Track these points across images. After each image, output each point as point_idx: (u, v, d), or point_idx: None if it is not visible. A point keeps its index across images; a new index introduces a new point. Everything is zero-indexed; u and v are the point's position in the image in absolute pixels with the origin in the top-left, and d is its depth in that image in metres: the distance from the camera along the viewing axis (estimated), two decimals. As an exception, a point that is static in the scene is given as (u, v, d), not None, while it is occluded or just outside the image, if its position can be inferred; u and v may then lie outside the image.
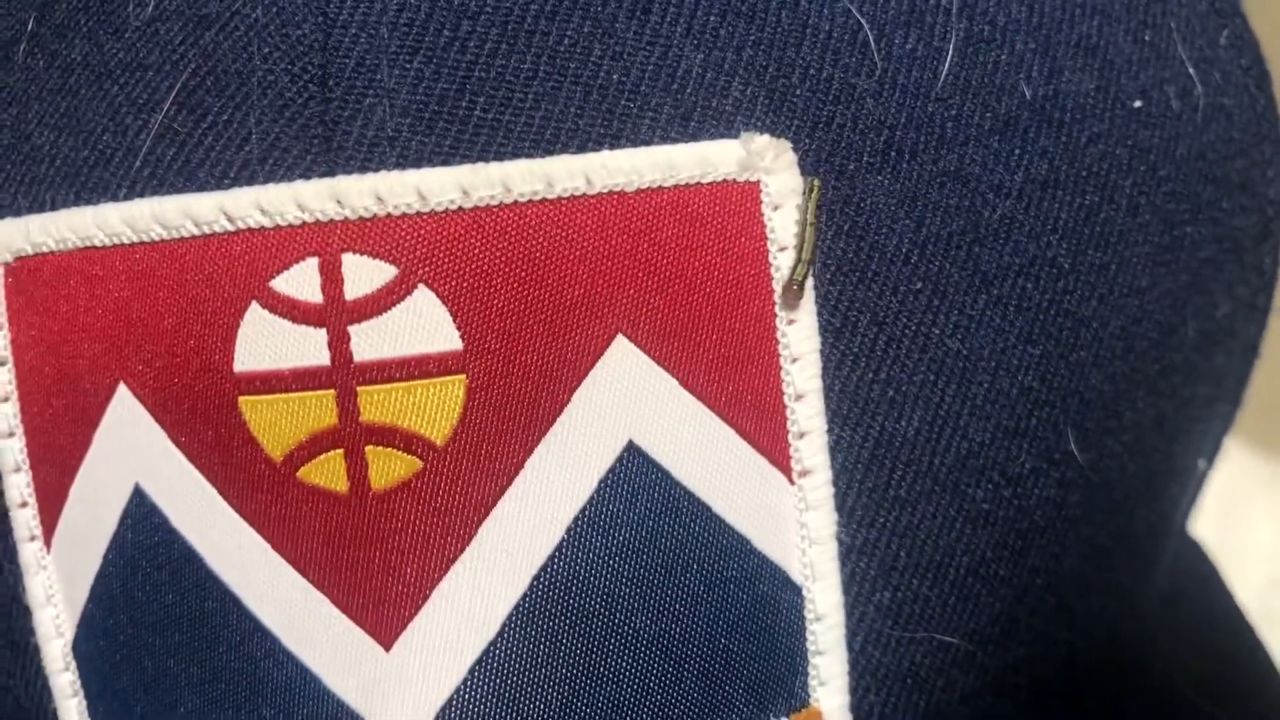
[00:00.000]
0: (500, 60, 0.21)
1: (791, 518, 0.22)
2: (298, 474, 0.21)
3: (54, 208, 0.22)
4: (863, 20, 0.22)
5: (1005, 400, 0.23)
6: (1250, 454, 0.47)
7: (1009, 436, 0.23)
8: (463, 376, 0.21)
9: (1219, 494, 0.43)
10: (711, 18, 0.22)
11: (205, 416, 0.22)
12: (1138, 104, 0.23)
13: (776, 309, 0.22)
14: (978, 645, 0.23)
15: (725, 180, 0.21)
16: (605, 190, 0.21)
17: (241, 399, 0.21)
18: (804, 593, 0.22)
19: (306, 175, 0.21)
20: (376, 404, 0.21)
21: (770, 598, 0.22)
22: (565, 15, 0.21)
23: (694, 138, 0.21)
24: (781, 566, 0.22)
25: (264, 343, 0.21)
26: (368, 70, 0.21)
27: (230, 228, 0.21)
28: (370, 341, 0.21)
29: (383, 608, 0.21)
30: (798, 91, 0.22)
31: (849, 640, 0.22)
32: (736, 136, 0.21)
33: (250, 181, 0.21)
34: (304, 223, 0.21)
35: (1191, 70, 0.24)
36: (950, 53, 0.22)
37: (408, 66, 0.21)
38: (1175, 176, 0.24)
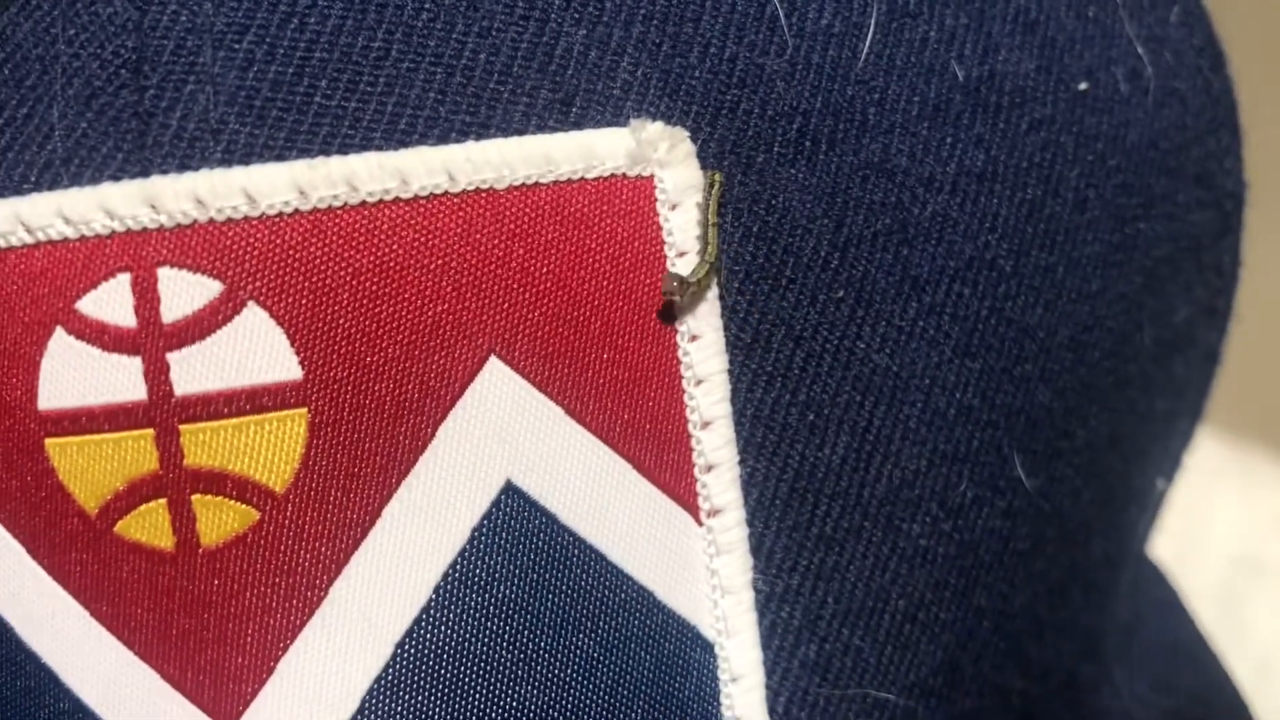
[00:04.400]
0: (346, 37, 0.20)
1: (700, 564, 0.21)
2: (115, 528, 0.20)
3: None
4: None
5: (942, 422, 0.22)
6: (1214, 437, 0.49)
7: (947, 462, 0.22)
8: (304, 411, 0.19)
9: (1183, 477, 0.46)
10: None
11: (8, 463, 0.20)
12: (1083, 86, 0.23)
13: (677, 324, 0.20)
14: (918, 700, 0.22)
15: (613, 175, 0.20)
16: (471, 188, 0.20)
17: (49, 441, 0.20)
18: (717, 650, 0.21)
19: (116, 177, 0.20)
20: (203, 445, 0.19)
21: (679, 657, 0.21)
22: None
23: (576, 126, 0.20)
24: (691, 621, 0.21)
25: (71, 375, 0.20)
26: (189, 52, 0.20)
27: (29, 240, 0.20)
28: (193, 371, 0.19)
29: (221, 683, 0.20)
30: (696, 73, 0.20)
31: (771, 702, 0.21)
32: (625, 124, 0.20)
33: (53, 185, 0.20)
34: (114, 232, 0.19)
35: (1140, 49, 0.24)
36: (872, 28, 0.21)
37: (235, 47, 0.20)
38: (1126, 167, 0.23)
